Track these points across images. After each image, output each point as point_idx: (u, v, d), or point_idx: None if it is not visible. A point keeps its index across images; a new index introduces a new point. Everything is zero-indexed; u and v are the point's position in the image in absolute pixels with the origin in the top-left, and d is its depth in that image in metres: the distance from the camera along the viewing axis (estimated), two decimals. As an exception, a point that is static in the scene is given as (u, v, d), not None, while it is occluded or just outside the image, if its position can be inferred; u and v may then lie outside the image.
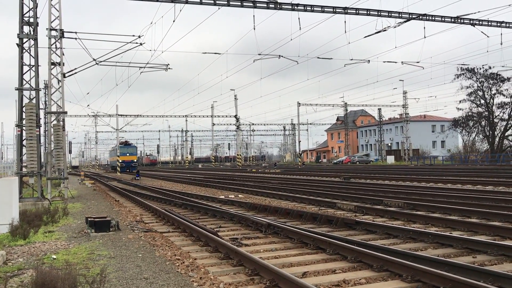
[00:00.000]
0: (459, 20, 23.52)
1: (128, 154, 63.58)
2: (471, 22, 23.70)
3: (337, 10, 21.87)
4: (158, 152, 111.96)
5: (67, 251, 7.92)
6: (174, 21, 19.79)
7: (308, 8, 21.54)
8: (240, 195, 18.42)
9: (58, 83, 20.43)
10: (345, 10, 21.94)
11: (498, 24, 24.50)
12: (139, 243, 8.49)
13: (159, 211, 12.68)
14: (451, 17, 23.46)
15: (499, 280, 5.20)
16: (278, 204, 14.29)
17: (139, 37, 21.91)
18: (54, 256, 7.45)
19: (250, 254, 6.78)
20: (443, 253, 7.03)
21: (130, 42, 21.99)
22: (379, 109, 75.86)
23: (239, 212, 12.29)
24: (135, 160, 65.56)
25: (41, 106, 27.67)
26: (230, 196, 17.96)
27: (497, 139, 56.99)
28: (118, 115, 59.31)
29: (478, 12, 23.51)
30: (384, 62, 34.85)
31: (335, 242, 7.27)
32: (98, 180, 36.80)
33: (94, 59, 22.79)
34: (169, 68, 26.11)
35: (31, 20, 17.70)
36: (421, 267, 5.54)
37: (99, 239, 9.05)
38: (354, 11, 22.02)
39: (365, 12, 22.14)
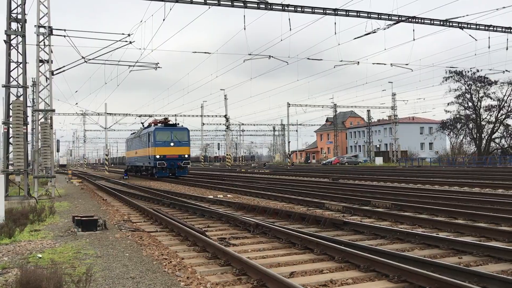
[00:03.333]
0: (447, 23, 23.72)
1: (173, 144, 33.72)
2: (460, 25, 23.91)
3: (327, 11, 21.93)
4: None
5: (53, 250, 7.85)
6: (164, 19, 19.68)
7: (298, 9, 21.57)
8: (229, 195, 18.39)
9: (46, 80, 20.25)
10: (335, 12, 22.01)
11: (486, 27, 24.74)
12: (126, 243, 8.43)
13: (147, 210, 12.62)
14: (440, 20, 23.65)
15: (484, 281, 5.25)
16: (267, 204, 14.29)
17: (129, 35, 21.80)
18: (40, 255, 7.38)
19: (238, 254, 6.77)
20: (430, 254, 7.08)
21: (119, 41, 21.88)
22: (368, 111, 76.28)
23: (228, 212, 12.28)
24: (188, 155, 34.85)
25: (29, 103, 27.41)
26: (218, 196, 17.92)
27: (484, 141, 57.61)
28: (107, 113, 58.88)
29: (467, 15, 23.70)
30: (373, 64, 35.08)
31: (323, 242, 7.29)
32: (86, 179, 36.52)
33: (83, 57, 22.63)
34: (159, 67, 26.04)
35: (19, 16, 17.51)
36: (408, 268, 5.57)
37: (86, 238, 8.98)
38: (344, 13, 22.09)
39: (355, 13, 22.23)
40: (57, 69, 21.44)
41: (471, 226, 8.93)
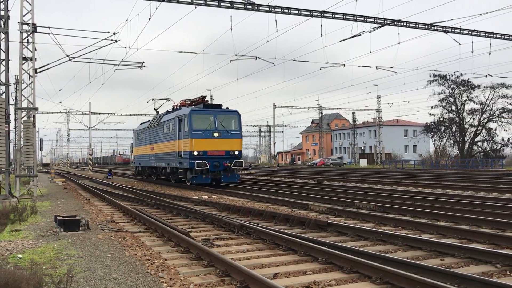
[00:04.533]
0: (432, 27, 23.97)
1: (217, 134, 22.58)
2: (444, 29, 24.18)
3: (313, 13, 22.00)
4: (131, 151, 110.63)
5: (34, 250, 7.73)
6: (150, 18, 19.55)
7: (285, 10, 21.61)
8: (213, 196, 18.33)
9: (30, 78, 19.96)
10: (322, 14, 22.09)
11: (470, 32, 25.07)
12: (109, 243, 8.35)
13: (130, 211, 12.51)
14: (425, 24, 23.89)
15: (465, 282, 5.30)
16: (252, 205, 14.28)
17: (114, 34, 21.60)
18: (20, 256, 7.26)
19: (222, 255, 6.75)
20: (412, 256, 7.14)
21: (105, 39, 21.65)
22: (353, 113, 76.79)
23: (212, 212, 12.24)
24: (239, 152, 23.35)
25: (11, 101, 27.00)
26: (203, 196, 17.86)
27: (467, 144, 58.36)
28: (91, 112, 58.30)
29: (451, 20, 23.98)
30: (359, 66, 35.35)
31: (307, 244, 7.31)
32: (69, 179, 36.10)
33: (67, 55, 22.36)
34: (144, 66, 25.83)
35: (2, 13, 17.23)
36: (390, 269, 5.61)
37: (68, 239, 8.87)
38: (331, 15, 22.19)
39: (341, 16, 22.34)
40: (40, 67, 21.14)
41: (453, 228, 9.03)
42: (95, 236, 9.11)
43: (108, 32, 21.68)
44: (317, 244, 7.41)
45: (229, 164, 22.32)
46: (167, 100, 31.91)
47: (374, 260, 6.23)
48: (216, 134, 22.31)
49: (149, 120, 33.48)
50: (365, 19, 22.70)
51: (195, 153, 21.72)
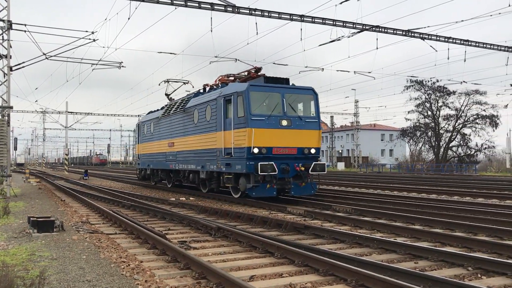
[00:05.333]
0: (409, 34, 24.35)
1: (286, 123, 15.21)
2: (421, 36, 24.60)
3: (293, 17, 22.12)
4: (108, 151, 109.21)
5: (5, 252, 7.57)
6: (129, 18, 19.38)
7: (265, 13, 21.67)
8: (191, 198, 18.24)
9: (4, 76, 19.56)
10: (302, 18, 22.23)
11: (446, 39, 25.55)
12: (83, 245, 8.23)
13: (106, 212, 12.36)
14: (403, 30, 24.26)
15: (437, 285, 5.40)
16: (229, 208, 14.25)
17: (92, 33, 21.33)
18: (-9, 257, 7.10)
19: (198, 257, 6.73)
20: (387, 258, 7.23)
21: (83, 38, 21.36)
22: (331, 117, 77.39)
23: (189, 215, 12.18)
24: (317, 149, 15.80)
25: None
26: (181, 198, 17.75)
27: (442, 149, 59.45)
28: (68, 112, 57.39)
29: (428, 27, 24.41)
30: (337, 71, 35.66)
31: (283, 246, 7.33)
32: (44, 179, 35.45)
33: (44, 54, 21.98)
34: (123, 66, 25.53)
35: (-23, 9, 16.86)
36: (365, 272, 5.67)
37: (42, 240, 8.71)
38: (310, 19, 22.35)
39: (321, 21, 22.52)
40: (16, 65, 20.73)
41: (427, 232, 9.17)
42: (69, 237, 8.97)
43: (87, 31, 21.40)
44: (294, 246, 7.44)
45: (303, 168, 15.04)
46: (184, 83, 25.13)
47: (349, 263, 6.30)
48: (284, 123, 14.97)
49: (164, 107, 24.10)
50: (344, 24, 22.93)
51: (255, 150, 14.37)
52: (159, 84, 26.18)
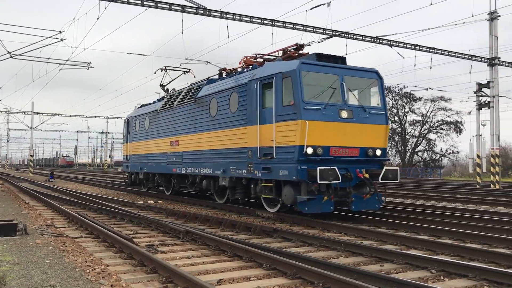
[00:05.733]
0: (378, 40, 24.85)
1: (345, 115, 11.52)
2: (389, 43, 25.13)
3: (264, 21, 22.25)
4: (75, 153, 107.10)
5: (-35, 257, 7.31)
6: (98, 18, 19.10)
7: (236, 17, 21.73)
8: (160, 201, 18.06)
9: (-34, 74, 18.97)
10: (273, 22, 22.38)
11: (413, 46, 26.18)
12: (47, 249, 8.03)
13: (72, 215, 12.11)
14: (371, 37, 24.73)
15: (402, 287, 5.51)
16: (198, 211, 14.18)
17: (60, 32, 20.92)
18: (-51, 262, 6.85)
19: (166, 261, 6.67)
20: (354, 261, 7.34)
21: (50, 37, 20.93)
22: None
23: (158, 218, 12.05)
24: (384, 150, 12.25)
25: None
26: (149, 201, 17.55)
27: (408, 154, 60.79)
28: (34, 112, 55.97)
29: (396, 34, 25.02)
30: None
31: (252, 250, 7.34)
32: (8, 181, 34.43)
33: (8, 52, 21.43)
34: (91, 67, 25.19)
35: None
36: (332, 275, 5.74)
37: (3, 244, 8.45)
38: (281, 24, 22.52)
39: (292, 26, 22.72)
40: (-22, 63, 20.17)
41: (393, 235, 9.35)
42: (33, 241, 8.75)
43: (54, 31, 20.97)
44: (262, 250, 7.47)
45: (367, 175, 11.45)
46: (184, 72, 21.67)
47: (317, 266, 6.36)
48: (344, 114, 11.53)
49: (163, 98, 20.33)
50: (314, 30, 23.20)
51: (309, 150, 10.83)
52: (155, 73, 21.98)
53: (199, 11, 20.67)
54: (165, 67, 21.31)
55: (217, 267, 6.89)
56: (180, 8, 20.21)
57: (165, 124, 18.73)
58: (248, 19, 22.00)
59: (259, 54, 15.13)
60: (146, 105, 22.52)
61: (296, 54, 13.53)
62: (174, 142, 17.74)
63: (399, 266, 7.05)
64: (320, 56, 12.13)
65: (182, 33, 21.30)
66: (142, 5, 19.52)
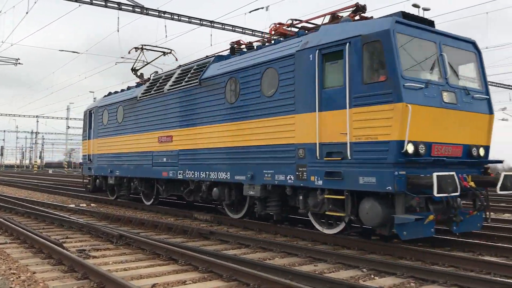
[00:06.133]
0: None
1: (448, 99, 8.31)
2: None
3: (203, 22, 22.15)
4: (1, 154, 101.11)
5: None
6: (27, 12, 18.19)
7: (175, 16, 21.47)
8: (92, 204, 17.45)
9: None
10: (212, 24, 22.34)
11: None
12: (-33, 256, 7.52)
13: (-4, 220, 11.41)
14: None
15: (335, 287, 5.67)
16: (133, 214, 13.85)
17: (-15, 25, 19.68)
18: None
19: (97, 266, 6.45)
20: (289, 262, 7.45)
21: (-27, 30, 19.64)
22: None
23: (90, 222, 11.64)
24: (487, 148, 9.10)
25: None
26: (81, 204, 16.91)
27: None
28: (-46, 110, 52.27)
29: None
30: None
31: (187, 253, 7.27)
32: None
33: None
34: (19, 63, 23.93)
35: None
36: (267, 276, 5.79)
37: None
38: (220, 26, 22.52)
39: (231, 28, 22.79)
40: None
41: (325, 235, 9.54)
42: (-50, 248, 8.16)
43: (-22, 23, 19.71)
44: (198, 253, 7.41)
45: (472, 183, 8.47)
46: (164, 53, 18.19)
47: (253, 268, 6.40)
48: (447, 98, 8.45)
49: (139, 84, 16.82)
50: (253, 33, 23.40)
51: (410, 148, 7.81)
52: (129, 52, 18.39)
53: (136, 9, 20.24)
54: (142, 45, 18.19)
55: (151, 271, 6.75)
56: (116, 6, 19.68)
57: (149, 116, 14.83)
58: (187, 19, 21.81)
59: (296, 19, 11.63)
60: (115, 93, 18.42)
61: (352, 18, 9.80)
62: (165, 138, 13.91)
63: (332, 265, 7.24)
64: (407, 17, 8.72)
65: (118, 31, 20.76)
66: (76, 0, 18.82)
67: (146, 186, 15.58)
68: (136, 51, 18.17)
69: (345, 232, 9.11)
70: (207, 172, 11.97)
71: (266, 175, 10.11)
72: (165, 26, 22.22)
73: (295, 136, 9.41)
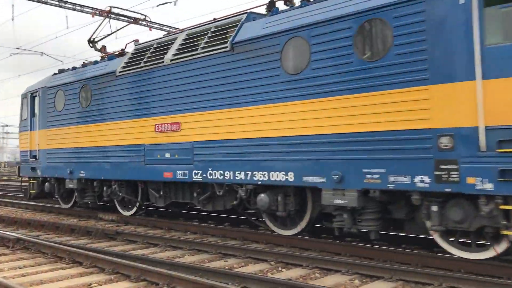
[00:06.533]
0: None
1: None
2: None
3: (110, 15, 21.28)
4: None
5: None
6: None
7: (77, 7, 20.42)
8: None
9: None
10: (117, 17, 21.52)
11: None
12: None
13: None
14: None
15: (245, 281, 5.79)
16: (32, 216, 13.00)
17: None
18: None
19: (-9, 273, 5.99)
20: (199, 259, 7.46)
21: None
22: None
23: (-18, 226, 10.75)
24: None
25: None
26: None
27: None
28: None
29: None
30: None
31: (92, 255, 7.01)
32: None
33: None
34: None
35: None
36: (177, 274, 5.76)
37: None
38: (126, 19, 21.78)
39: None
40: None
41: (235, 231, 9.69)
42: None
43: None
44: (104, 254, 7.17)
45: None
46: (136, 19, 16.16)
47: (162, 267, 6.33)
48: None
49: (112, 57, 12.83)
50: (161, 27, 22.93)
51: None
52: (93, 16, 15.37)
53: (33, -3, 18.95)
54: (110, 7, 14.87)
55: (53, 275, 6.41)
56: (10, -8, 18.28)
57: (136, 96, 11.14)
58: (91, 10, 20.82)
59: None
60: (73, 69, 14.26)
61: None
62: (167, 126, 10.34)
63: (241, 260, 7.36)
64: None
65: (13, 19, 19.30)
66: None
67: (130, 191, 12.07)
68: (100, 16, 14.85)
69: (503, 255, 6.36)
70: (249, 172, 8.70)
71: (369, 175, 7.09)
72: (66, 16, 21.09)
73: (430, 118, 6.49)
